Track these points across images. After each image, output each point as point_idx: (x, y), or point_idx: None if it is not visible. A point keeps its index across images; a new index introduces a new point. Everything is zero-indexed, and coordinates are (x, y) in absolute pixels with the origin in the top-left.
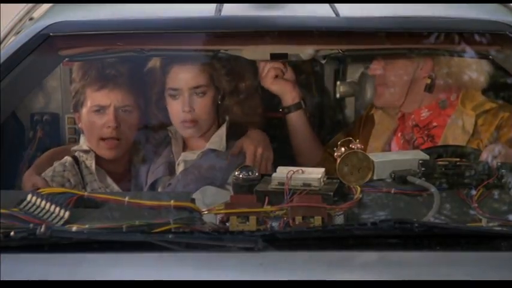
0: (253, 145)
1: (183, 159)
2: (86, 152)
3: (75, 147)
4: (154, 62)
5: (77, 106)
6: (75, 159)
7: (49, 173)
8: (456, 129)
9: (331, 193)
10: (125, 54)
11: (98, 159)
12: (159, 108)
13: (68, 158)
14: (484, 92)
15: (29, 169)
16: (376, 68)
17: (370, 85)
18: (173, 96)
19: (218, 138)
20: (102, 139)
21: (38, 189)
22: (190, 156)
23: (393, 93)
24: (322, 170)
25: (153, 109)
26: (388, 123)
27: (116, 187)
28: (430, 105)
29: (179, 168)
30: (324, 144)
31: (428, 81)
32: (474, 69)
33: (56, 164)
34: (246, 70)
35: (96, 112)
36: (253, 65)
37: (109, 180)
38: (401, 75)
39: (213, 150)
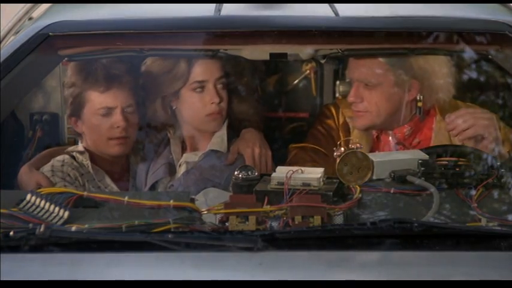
0: (249, 147)
1: (185, 161)
2: (81, 153)
3: (69, 149)
4: (158, 62)
5: (77, 110)
6: (72, 157)
7: (48, 168)
8: (445, 140)
9: (331, 193)
10: (125, 54)
11: (96, 160)
12: (162, 108)
13: (65, 156)
14: (478, 93)
15: (24, 166)
16: (356, 94)
17: None
18: (198, 90)
19: (219, 139)
20: (111, 138)
21: (38, 189)
22: (192, 157)
23: (378, 116)
24: (322, 169)
25: (155, 109)
26: (365, 140)
27: (115, 187)
28: (412, 122)
29: (181, 170)
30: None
31: (420, 104)
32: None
33: (54, 160)
34: (249, 70)
35: (103, 114)
36: (255, 65)
37: (108, 180)
38: (388, 98)
39: (215, 151)
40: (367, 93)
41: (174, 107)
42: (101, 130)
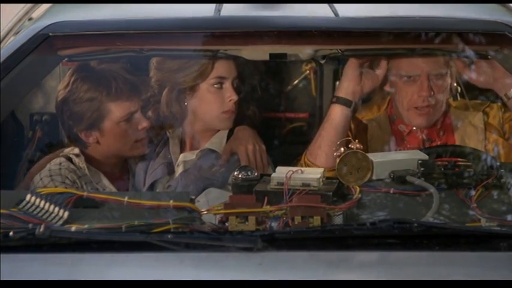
0: (243, 144)
1: (182, 160)
2: (77, 155)
3: (65, 151)
4: (175, 58)
5: (95, 123)
6: (69, 159)
7: (46, 173)
8: (468, 129)
9: (331, 193)
10: (124, 55)
11: (93, 162)
12: (174, 104)
13: (61, 158)
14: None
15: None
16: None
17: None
18: (217, 85)
19: (218, 139)
20: (137, 141)
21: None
22: (189, 156)
23: (441, 107)
24: (322, 169)
25: (166, 106)
26: (384, 137)
27: (113, 188)
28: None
29: (179, 170)
30: None
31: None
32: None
33: (50, 164)
34: (250, 70)
35: (127, 120)
36: (255, 65)
37: (105, 182)
38: (446, 89)
39: (212, 151)
40: (437, 85)
41: (186, 103)
42: (128, 135)
